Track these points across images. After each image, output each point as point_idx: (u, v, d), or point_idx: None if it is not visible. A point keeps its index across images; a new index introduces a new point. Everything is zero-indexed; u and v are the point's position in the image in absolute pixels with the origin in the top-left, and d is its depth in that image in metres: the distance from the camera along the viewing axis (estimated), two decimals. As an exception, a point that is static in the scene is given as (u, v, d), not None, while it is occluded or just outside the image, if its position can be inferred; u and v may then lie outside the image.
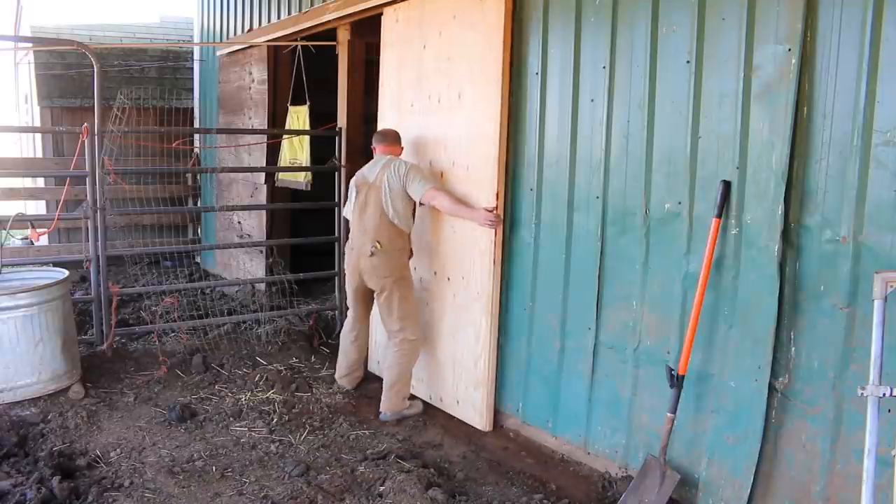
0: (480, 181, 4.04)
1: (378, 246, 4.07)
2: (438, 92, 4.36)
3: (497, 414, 4.23)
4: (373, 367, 4.98)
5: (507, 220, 4.06)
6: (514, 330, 4.10)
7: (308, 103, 6.05)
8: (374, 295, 4.27)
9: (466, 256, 4.18)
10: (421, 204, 4.11)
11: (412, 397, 4.37)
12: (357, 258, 4.21)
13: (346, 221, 4.57)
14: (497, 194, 3.95)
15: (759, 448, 2.91)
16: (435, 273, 4.43)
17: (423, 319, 4.41)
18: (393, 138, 4.37)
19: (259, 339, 5.41)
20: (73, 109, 9.09)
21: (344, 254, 4.56)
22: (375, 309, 4.41)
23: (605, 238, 3.53)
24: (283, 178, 6.54)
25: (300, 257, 7.04)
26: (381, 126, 4.86)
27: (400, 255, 4.18)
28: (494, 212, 3.93)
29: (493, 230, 3.96)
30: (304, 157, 6.12)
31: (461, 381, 4.28)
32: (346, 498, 3.26)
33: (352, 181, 4.37)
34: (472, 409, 4.21)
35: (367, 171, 4.27)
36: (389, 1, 4.73)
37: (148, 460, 3.62)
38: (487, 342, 4.09)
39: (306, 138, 6.09)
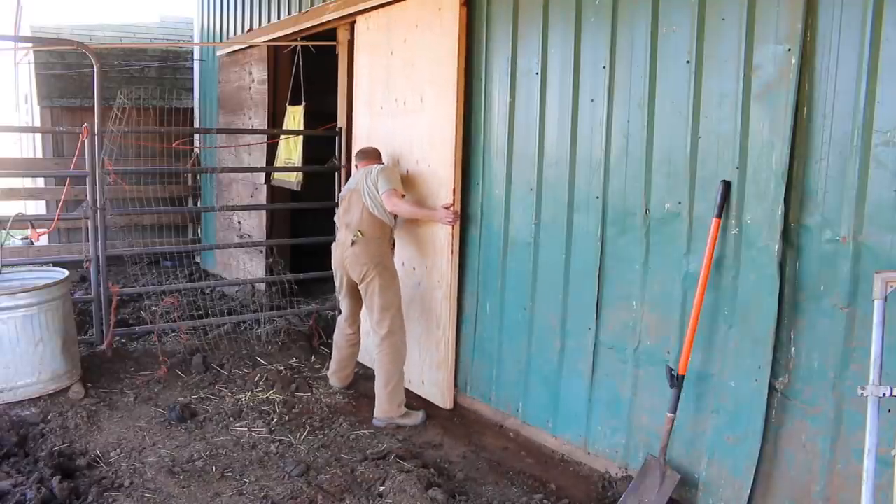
0: (440, 179, 4.33)
1: (359, 234, 4.20)
2: (404, 95, 4.66)
3: (499, 413, 4.24)
4: (362, 358, 5.04)
5: (507, 219, 4.08)
6: (513, 329, 4.10)
7: (304, 104, 6.06)
8: (359, 288, 4.32)
9: (429, 248, 4.48)
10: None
11: (413, 406, 4.32)
12: (341, 252, 4.33)
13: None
14: (454, 190, 4.21)
15: (759, 448, 2.91)
16: (402, 264, 4.69)
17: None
18: (374, 154, 4.58)
19: (259, 339, 5.41)
20: (73, 109, 9.09)
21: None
22: None
23: (605, 238, 3.53)
24: (278, 177, 6.55)
25: (300, 257, 7.04)
26: (355, 127, 5.21)
27: (380, 244, 4.26)
28: (452, 208, 4.18)
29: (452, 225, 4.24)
30: (296, 158, 6.13)
31: (426, 363, 4.56)
32: (346, 498, 3.26)
33: (340, 196, 4.54)
34: (435, 387, 4.50)
35: (350, 182, 4.50)
36: (389, 1, 4.75)
37: (148, 460, 3.62)
38: (448, 326, 4.38)
39: (300, 139, 6.10)
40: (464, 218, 4.37)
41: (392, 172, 4.29)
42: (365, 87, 5.11)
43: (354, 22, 5.48)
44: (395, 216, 4.32)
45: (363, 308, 4.46)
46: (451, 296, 4.35)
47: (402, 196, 4.21)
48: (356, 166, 4.56)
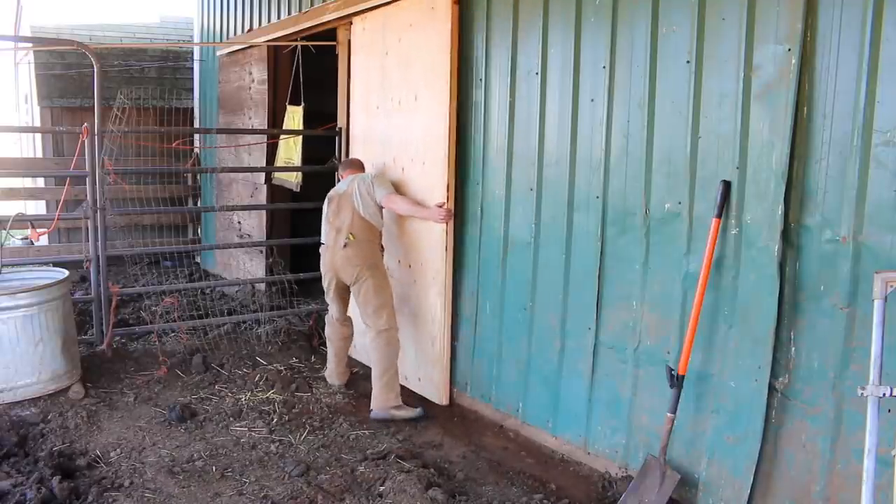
0: (434, 177, 4.38)
1: (351, 237, 4.32)
2: (399, 95, 4.72)
3: (500, 413, 4.24)
4: (359, 356, 5.12)
5: (507, 220, 4.08)
6: (513, 329, 4.10)
7: (303, 104, 6.06)
8: (351, 289, 4.43)
9: (424, 245, 4.53)
10: (381, 207, 4.41)
11: (411, 404, 4.35)
12: (331, 255, 4.41)
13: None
14: (448, 186, 4.27)
15: (759, 448, 2.91)
16: (399, 262, 4.75)
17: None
18: (358, 165, 4.83)
19: (259, 339, 5.41)
20: (73, 109, 9.09)
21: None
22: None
23: (605, 238, 3.53)
24: (278, 177, 6.56)
25: (300, 257, 7.03)
26: (352, 127, 5.33)
27: (371, 246, 4.41)
28: (445, 206, 4.25)
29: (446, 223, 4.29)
30: (296, 158, 6.13)
31: (420, 360, 4.62)
32: (346, 498, 3.26)
33: (325, 200, 4.61)
34: (430, 384, 4.55)
35: (338, 188, 4.61)
36: (388, 1, 4.75)
37: (148, 460, 3.62)
38: (442, 323, 4.40)
39: (300, 139, 6.11)
40: (462, 217, 4.37)
41: (385, 179, 4.53)
42: (361, 87, 5.18)
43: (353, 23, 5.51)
44: (383, 218, 4.47)
45: (353, 305, 4.54)
46: (447, 293, 4.40)
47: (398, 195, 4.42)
48: (341, 175, 4.77)
